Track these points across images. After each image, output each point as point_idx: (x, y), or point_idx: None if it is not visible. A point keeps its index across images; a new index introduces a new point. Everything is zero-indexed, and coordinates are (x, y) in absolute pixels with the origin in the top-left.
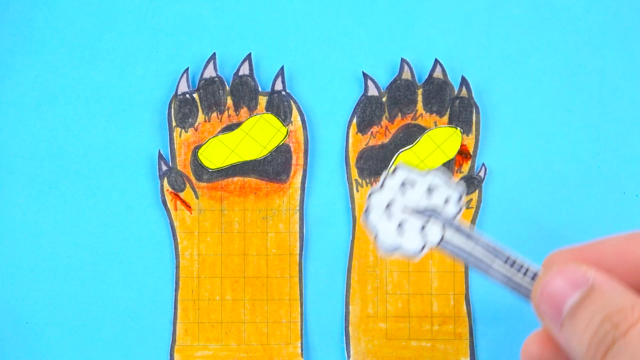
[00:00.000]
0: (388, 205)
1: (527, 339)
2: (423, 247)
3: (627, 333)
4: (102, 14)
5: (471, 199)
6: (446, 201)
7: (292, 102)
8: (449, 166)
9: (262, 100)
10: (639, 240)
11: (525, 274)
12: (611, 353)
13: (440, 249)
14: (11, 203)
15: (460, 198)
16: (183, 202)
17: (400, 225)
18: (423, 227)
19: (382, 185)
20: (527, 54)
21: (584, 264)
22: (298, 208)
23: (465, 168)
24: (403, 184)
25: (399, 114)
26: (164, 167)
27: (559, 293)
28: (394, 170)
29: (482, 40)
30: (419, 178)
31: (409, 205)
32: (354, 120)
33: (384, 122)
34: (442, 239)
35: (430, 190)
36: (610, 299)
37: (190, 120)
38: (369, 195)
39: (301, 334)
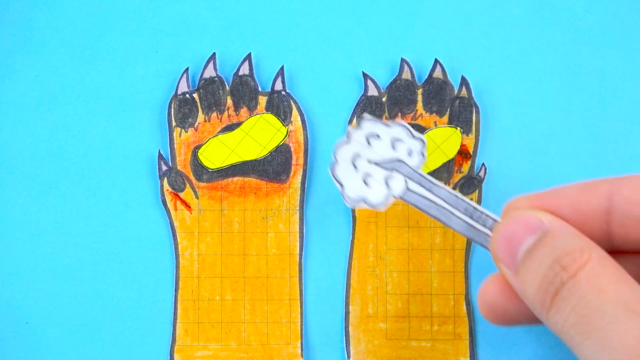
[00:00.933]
0: (354, 158)
1: (483, 283)
2: (387, 197)
3: (575, 275)
4: (102, 14)
5: (471, 199)
6: (409, 152)
7: (292, 102)
8: (449, 166)
9: (262, 100)
10: (593, 190)
11: (485, 223)
12: (560, 295)
13: (404, 199)
14: (11, 203)
15: (422, 148)
16: (183, 202)
17: (365, 177)
18: (387, 179)
19: (348, 138)
20: (527, 54)
21: (539, 211)
22: (298, 208)
23: (465, 168)
24: (368, 136)
25: (399, 114)
26: (164, 167)
27: (515, 238)
28: (360, 123)
29: (482, 40)
30: (383, 130)
31: (374, 157)
32: (354, 120)
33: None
34: (405, 189)
35: (394, 141)
36: (561, 242)
37: (190, 120)
38: (336, 148)
39: (301, 334)
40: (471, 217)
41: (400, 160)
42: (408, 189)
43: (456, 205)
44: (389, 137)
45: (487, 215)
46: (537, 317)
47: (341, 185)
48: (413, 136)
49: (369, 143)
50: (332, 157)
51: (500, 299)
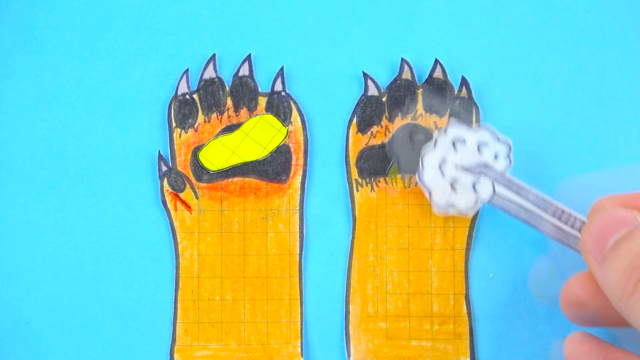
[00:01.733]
0: (441, 164)
1: (569, 279)
2: (476, 203)
3: None
4: (102, 14)
5: None
6: (496, 156)
7: (291, 102)
8: None
9: (262, 101)
10: None
11: (573, 225)
12: None
13: (492, 204)
14: (11, 203)
15: (509, 152)
16: (183, 202)
17: (453, 182)
18: (475, 184)
19: (435, 144)
20: (527, 54)
21: (634, 209)
22: (298, 208)
23: None
24: (455, 141)
25: (399, 114)
26: (164, 168)
27: (607, 229)
28: (446, 128)
29: (482, 40)
30: (469, 135)
31: (461, 162)
32: (354, 120)
33: (384, 122)
34: (493, 193)
35: (480, 146)
36: None
37: (190, 120)
38: (423, 155)
39: (301, 334)
40: (559, 219)
41: (487, 165)
42: (495, 193)
43: (544, 208)
44: (475, 141)
45: (575, 217)
46: (615, 319)
47: (429, 191)
48: (499, 139)
49: (455, 148)
50: (419, 164)
51: (582, 296)
